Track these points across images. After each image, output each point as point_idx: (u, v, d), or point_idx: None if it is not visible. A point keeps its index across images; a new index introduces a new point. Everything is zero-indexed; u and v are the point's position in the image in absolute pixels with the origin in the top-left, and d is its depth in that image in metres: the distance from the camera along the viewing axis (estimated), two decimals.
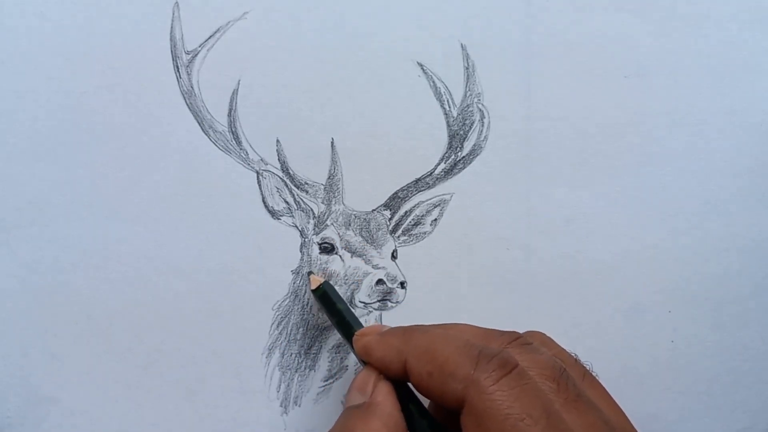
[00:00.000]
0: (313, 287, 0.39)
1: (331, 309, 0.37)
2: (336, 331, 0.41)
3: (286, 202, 0.41)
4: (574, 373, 0.30)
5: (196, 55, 0.41)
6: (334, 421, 0.32)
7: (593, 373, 0.32)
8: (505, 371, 0.28)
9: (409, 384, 0.32)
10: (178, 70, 0.41)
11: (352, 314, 0.37)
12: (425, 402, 0.33)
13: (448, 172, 0.41)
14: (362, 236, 0.41)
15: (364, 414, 0.30)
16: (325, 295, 0.38)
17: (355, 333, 0.35)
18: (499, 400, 0.27)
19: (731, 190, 0.42)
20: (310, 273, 0.40)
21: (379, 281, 0.40)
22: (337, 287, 0.40)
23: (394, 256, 0.41)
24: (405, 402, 0.32)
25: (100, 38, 0.41)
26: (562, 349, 0.34)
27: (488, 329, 0.33)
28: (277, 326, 0.41)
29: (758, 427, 0.41)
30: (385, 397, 0.31)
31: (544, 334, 0.34)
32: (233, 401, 0.41)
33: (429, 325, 0.33)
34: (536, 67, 0.42)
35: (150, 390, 0.40)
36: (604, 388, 0.32)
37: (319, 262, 0.41)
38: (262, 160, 0.41)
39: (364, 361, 0.34)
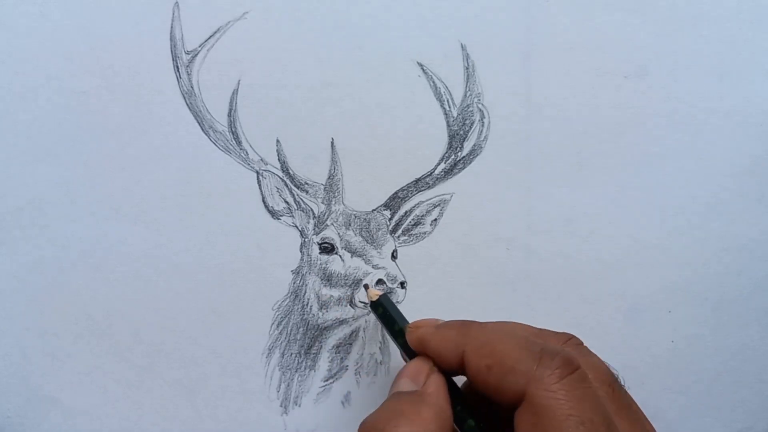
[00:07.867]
0: (372, 302, 0.38)
1: (386, 321, 0.37)
2: (335, 332, 0.41)
3: (286, 202, 0.41)
4: None
5: (196, 55, 0.41)
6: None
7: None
8: (568, 371, 0.28)
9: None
10: (178, 70, 0.41)
11: (402, 316, 0.36)
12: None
13: (448, 172, 0.41)
14: (362, 236, 0.41)
15: (416, 401, 0.30)
16: (378, 306, 0.38)
17: (409, 325, 0.34)
18: (562, 400, 0.27)
19: (731, 190, 0.42)
20: (366, 286, 0.40)
21: (379, 281, 0.40)
22: (337, 287, 0.40)
23: (394, 256, 0.41)
24: (453, 398, 0.31)
25: (100, 38, 0.41)
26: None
27: (541, 328, 0.32)
28: (277, 326, 0.41)
29: (758, 427, 0.41)
30: (437, 388, 0.31)
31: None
32: (233, 401, 0.41)
33: (484, 322, 0.33)
34: (536, 67, 0.41)
35: (150, 390, 0.40)
36: (633, 400, 0.32)
37: (319, 262, 0.41)
38: (262, 160, 0.41)
39: (410, 356, 0.33)
